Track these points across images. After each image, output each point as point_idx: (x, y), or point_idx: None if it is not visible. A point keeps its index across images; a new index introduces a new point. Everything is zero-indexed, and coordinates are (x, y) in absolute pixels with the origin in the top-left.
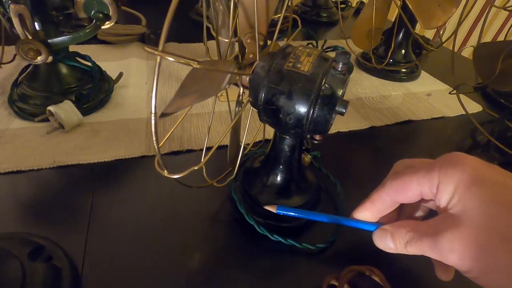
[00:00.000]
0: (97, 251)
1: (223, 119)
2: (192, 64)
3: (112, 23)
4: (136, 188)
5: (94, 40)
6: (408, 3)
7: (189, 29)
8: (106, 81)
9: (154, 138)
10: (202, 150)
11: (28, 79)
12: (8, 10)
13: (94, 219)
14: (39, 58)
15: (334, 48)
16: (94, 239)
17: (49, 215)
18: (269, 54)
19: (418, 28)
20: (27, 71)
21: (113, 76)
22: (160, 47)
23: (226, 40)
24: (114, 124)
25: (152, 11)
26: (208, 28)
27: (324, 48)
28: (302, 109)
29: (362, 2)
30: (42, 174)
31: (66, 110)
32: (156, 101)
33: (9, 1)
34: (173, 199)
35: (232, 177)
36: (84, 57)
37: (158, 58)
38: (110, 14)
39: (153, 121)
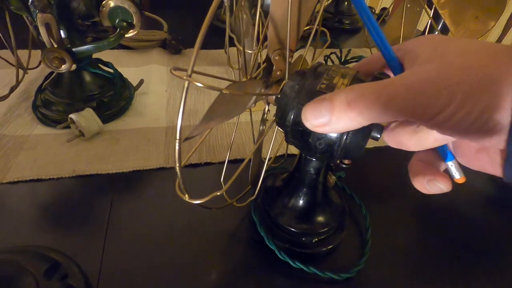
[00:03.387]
0: (113, 268)
1: (242, 130)
2: (223, 90)
3: (136, 31)
4: (153, 201)
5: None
6: (441, 14)
7: (209, 35)
8: (127, 88)
9: (177, 164)
10: (221, 163)
11: (51, 86)
12: (35, 18)
13: (111, 234)
14: (63, 66)
15: (359, 59)
16: (110, 256)
17: (66, 227)
18: (299, 72)
19: None
20: (51, 78)
21: (134, 82)
22: (189, 71)
23: (250, 51)
24: (134, 132)
25: (173, 16)
26: (230, 36)
27: (348, 58)
28: (333, 134)
29: (384, 8)
30: (62, 183)
31: (87, 118)
32: (182, 126)
33: (37, 10)
34: (191, 214)
35: (253, 198)
36: (107, 64)
37: (186, 83)
38: (134, 22)
39: (177, 147)
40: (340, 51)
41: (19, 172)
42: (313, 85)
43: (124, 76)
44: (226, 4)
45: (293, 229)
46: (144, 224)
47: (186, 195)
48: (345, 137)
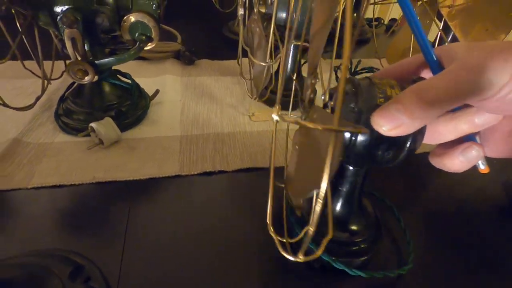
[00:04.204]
0: (131, 272)
1: (254, 139)
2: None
3: (154, 45)
4: (169, 208)
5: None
6: (451, 26)
7: (221, 46)
8: (143, 98)
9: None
10: (235, 172)
11: (73, 95)
12: (62, 33)
13: (129, 239)
14: (86, 78)
15: (369, 70)
16: (128, 260)
17: (87, 232)
18: (346, 95)
19: None
20: (73, 88)
21: (149, 91)
22: (335, 123)
23: (263, 64)
24: (150, 141)
25: (186, 28)
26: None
27: (358, 69)
28: (402, 138)
29: (394, 19)
30: (82, 189)
31: (106, 127)
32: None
33: (64, 26)
34: (207, 221)
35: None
36: (125, 74)
37: (334, 134)
38: (153, 36)
39: (318, 208)
40: (350, 62)
41: (42, 178)
42: (370, 101)
43: (140, 86)
44: (239, 18)
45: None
46: (161, 230)
47: (301, 257)
48: (410, 139)
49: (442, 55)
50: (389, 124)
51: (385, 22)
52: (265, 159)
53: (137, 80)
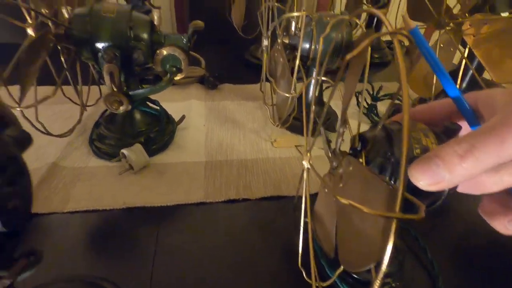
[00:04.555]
0: None
1: (277, 166)
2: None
3: (183, 75)
4: (196, 235)
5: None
6: (475, 53)
7: (243, 70)
8: (170, 123)
9: None
10: (258, 200)
11: (106, 121)
12: (101, 67)
13: (158, 264)
14: (121, 108)
15: (391, 96)
16: (157, 286)
17: (116, 257)
18: (378, 143)
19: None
20: (106, 114)
21: (175, 116)
22: (398, 209)
23: (288, 95)
24: (176, 166)
25: (208, 52)
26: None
27: (379, 95)
28: (440, 194)
29: None
30: (113, 215)
31: (136, 153)
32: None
33: (104, 62)
34: (233, 250)
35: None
36: (154, 101)
37: (394, 221)
38: (182, 67)
39: None
40: (372, 88)
41: (76, 202)
42: (408, 154)
43: (167, 111)
44: (263, 49)
45: (359, 277)
46: (188, 257)
47: None
48: (448, 189)
49: (479, 101)
50: (429, 180)
51: (406, 44)
52: (288, 187)
53: (163, 104)
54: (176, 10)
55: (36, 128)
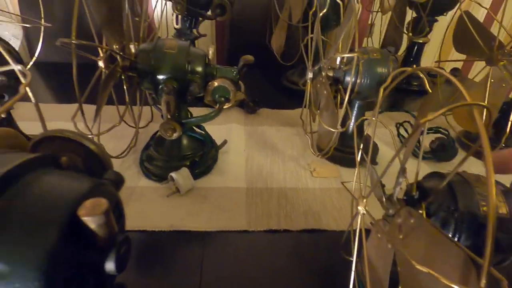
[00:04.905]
0: None
1: (317, 197)
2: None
3: (230, 104)
4: (239, 262)
5: (199, 103)
6: None
7: (280, 95)
8: (214, 147)
9: None
10: (299, 232)
11: (155, 144)
12: (159, 97)
13: None
14: (174, 135)
15: (436, 130)
16: None
17: (164, 280)
18: (439, 195)
19: None
20: (156, 136)
21: (216, 139)
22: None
23: (333, 130)
24: (219, 191)
25: (248, 76)
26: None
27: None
28: None
29: (456, 69)
30: (161, 236)
31: (184, 176)
32: None
33: (163, 93)
34: (275, 283)
35: None
36: (200, 126)
37: None
38: (230, 97)
39: None
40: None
41: (128, 222)
42: (471, 207)
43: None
44: (308, 81)
45: None
46: (232, 284)
47: None
48: None
49: None
50: None
51: (447, 70)
52: (328, 220)
53: (206, 127)
54: (217, 35)
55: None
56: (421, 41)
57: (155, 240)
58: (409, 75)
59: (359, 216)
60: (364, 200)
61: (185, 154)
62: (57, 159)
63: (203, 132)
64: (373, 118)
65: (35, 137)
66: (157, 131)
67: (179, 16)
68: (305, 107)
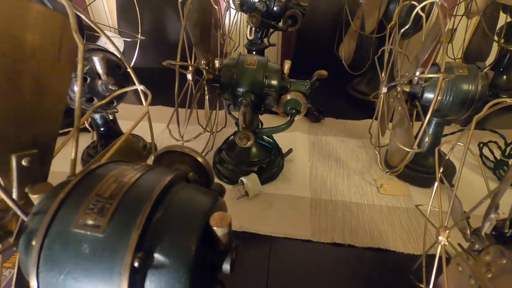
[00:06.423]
0: None
1: (384, 215)
2: None
3: (301, 116)
4: (303, 271)
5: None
6: None
7: (346, 104)
8: (280, 155)
9: None
10: (364, 249)
11: (227, 148)
12: (237, 108)
13: None
14: (248, 143)
15: None
16: None
17: (231, 279)
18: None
19: None
20: (229, 141)
21: (281, 146)
22: None
23: (408, 150)
24: (283, 198)
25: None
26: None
27: None
28: None
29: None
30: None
31: (252, 181)
32: None
33: (242, 105)
34: None
35: None
36: (268, 135)
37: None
38: (301, 110)
39: None
40: (506, 143)
41: None
42: None
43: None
44: (381, 96)
45: None
46: None
47: None
48: None
49: None
50: None
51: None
52: (396, 241)
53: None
54: (283, 43)
55: None
56: None
57: None
58: (497, 88)
59: (439, 246)
60: (447, 232)
61: (254, 160)
62: (187, 175)
63: (271, 140)
64: (459, 144)
65: (160, 150)
66: (230, 136)
67: (253, 28)
68: (375, 119)
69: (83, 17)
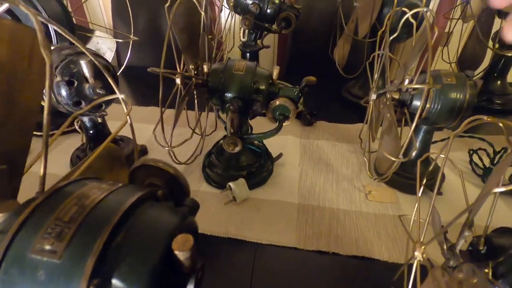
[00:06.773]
0: None
1: (370, 223)
2: None
3: (289, 122)
4: (288, 278)
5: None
6: None
7: (339, 107)
8: (269, 160)
9: None
10: (349, 257)
11: (217, 152)
12: (225, 113)
13: None
14: (236, 149)
15: None
16: None
17: (214, 284)
18: (510, 257)
19: None
20: (218, 145)
21: (271, 150)
22: None
23: (394, 159)
24: (271, 203)
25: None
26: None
27: (502, 159)
28: None
29: None
30: (217, 241)
31: (240, 187)
32: None
33: (230, 110)
34: None
35: None
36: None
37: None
38: (290, 116)
39: None
40: (493, 148)
41: None
42: None
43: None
44: (371, 103)
45: None
46: None
47: None
48: None
49: None
50: None
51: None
52: (381, 250)
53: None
54: (278, 45)
55: (172, 158)
56: (510, 55)
57: (210, 244)
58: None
59: (415, 261)
60: (423, 248)
61: (243, 165)
62: (156, 193)
63: (260, 144)
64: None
65: (134, 164)
66: (219, 140)
67: (246, 30)
68: (366, 123)
69: (56, 26)
